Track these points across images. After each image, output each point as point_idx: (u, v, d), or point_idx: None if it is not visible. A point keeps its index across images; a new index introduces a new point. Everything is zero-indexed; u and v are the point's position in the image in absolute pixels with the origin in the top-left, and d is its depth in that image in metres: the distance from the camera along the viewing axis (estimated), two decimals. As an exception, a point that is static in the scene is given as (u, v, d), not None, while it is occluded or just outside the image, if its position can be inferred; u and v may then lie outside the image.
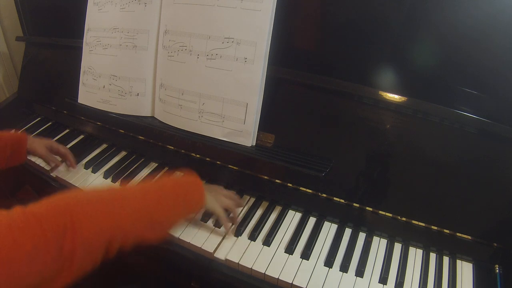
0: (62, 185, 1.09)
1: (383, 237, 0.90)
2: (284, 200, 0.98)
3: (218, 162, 1.01)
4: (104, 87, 1.11)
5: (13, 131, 1.33)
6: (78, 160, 1.15)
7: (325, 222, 0.93)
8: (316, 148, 0.90)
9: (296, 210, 0.97)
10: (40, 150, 1.09)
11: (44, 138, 1.15)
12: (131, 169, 1.10)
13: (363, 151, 0.87)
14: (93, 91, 1.14)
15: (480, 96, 0.80)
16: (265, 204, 0.98)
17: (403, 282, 0.79)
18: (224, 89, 0.92)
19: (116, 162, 1.14)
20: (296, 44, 0.94)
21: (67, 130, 1.32)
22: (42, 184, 1.14)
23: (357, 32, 0.86)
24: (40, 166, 1.15)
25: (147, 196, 0.68)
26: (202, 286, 0.99)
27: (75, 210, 0.56)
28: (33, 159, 1.19)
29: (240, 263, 0.83)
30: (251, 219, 0.94)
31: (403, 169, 0.84)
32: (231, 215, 0.89)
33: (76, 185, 1.06)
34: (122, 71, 1.07)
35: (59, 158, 1.13)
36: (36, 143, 1.10)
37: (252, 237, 0.88)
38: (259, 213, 0.96)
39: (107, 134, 1.21)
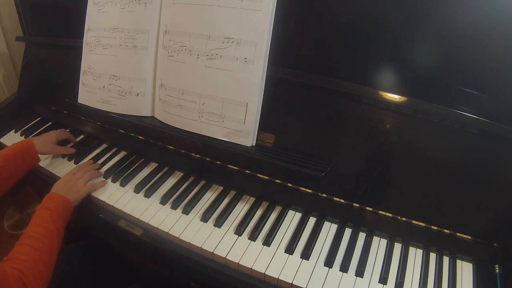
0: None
1: (383, 237, 0.90)
2: (284, 200, 0.98)
3: (218, 162, 1.01)
4: (104, 87, 1.11)
5: (15, 133, 1.34)
6: (78, 161, 1.15)
7: (325, 222, 0.94)
8: (316, 148, 0.90)
9: (296, 210, 0.97)
10: (49, 150, 1.14)
11: (45, 133, 1.18)
12: (131, 169, 1.10)
13: (363, 151, 0.87)
14: (93, 91, 1.14)
15: (480, 96, 0.80)
16: (265, 204, 0.98)
17: (403, 282, 0.79)
18: (224, 89, 0.92)
19: (116, 162, 1.14)
20: (296, 44, 0.94)
21: (67, 130, 1.31)
22: (42, 184, 1.14)
23: (357, 32, 0.86)
24: (40, 166, 1.15)
25: (45, 233, 0.87)
26: (202, 286, 0.99)
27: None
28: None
29: (240, 263, 0.83)
30: (251, 219, 0.94)
31: (403, 169, 0.84)
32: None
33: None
34: (122, 71, 1.07)
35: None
36: (43, 143, 1.12)
37: (252, 237, 0.88)
38: (259, 213, 0.96)
39: (107, 134, 1.21)
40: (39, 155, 1.10)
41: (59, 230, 0.89)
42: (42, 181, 1.14)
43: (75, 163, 1.15)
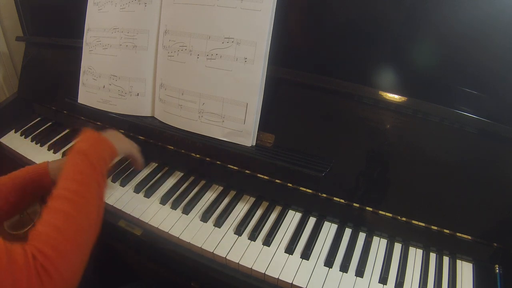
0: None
1: (383, 237, 0.90)
2: (284, 200, 0.98)
3: (218, 162, 1.01)
4: (104, 87, 1.11)
5: (15, 133, 1.33)
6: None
7: (325, 222, 0.94)
8: (316, 148, 0.90)
9: (296, 210, 0.97)
10: None
11: (63, 160, 1.00)
12: (131, 169, 1.10)
13: (363, 151, 0.87)
14: (93, 91, 1.14)
15: (480, 96, 0.80)
16: (265, 204, 0.98)
17: (403, 282, 0.79)
18: (224, 89, 0.92)
19: (116, 163, 1.14)
20: (296, 44, 0.94)
21: (67, 130, 1.32)
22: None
23: (357, 32, 0.86)
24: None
25: (79, 190, 0.66)
26: (202, 286, 0.99)
27: (42, 264, 0.55)
28: (36, 159, 1.19)
29: (240, 263, 0.83)
30: (251, 219, 0.94)
31: (403, 169, 0.84)
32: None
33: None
34: (122, 71, 1.07)
35: None
36: (58, 171, 0.94)
37: (252, 237, 0.88)
38: (259, 213, 0.96)
39: (107, 134, 1.21)
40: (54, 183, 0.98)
41: (99, 182, 0.69)
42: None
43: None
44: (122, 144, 0.85)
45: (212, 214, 0.95)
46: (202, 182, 1.05)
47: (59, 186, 0.66)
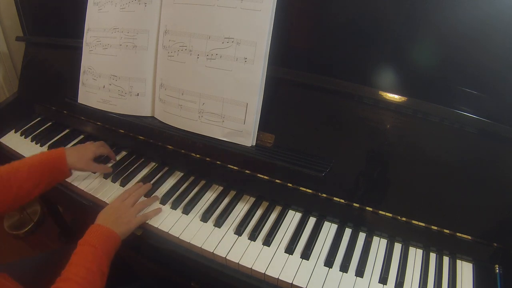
0: (63, 186, 1.08)
1: (383, 237, 0.90)
2: (284, 200, 0.98)
3: (218, 162, 1.01)
4: (104, 87, 1.11)
5: (15, 133, 1.33)
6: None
7: (325, 222, 0.94)
8: (316, 148, 0.90)
9: (296, 210, 0.97)
10: (84, 166, 1.01)
11: (82, 145, 1.07)
12: (131, 169, 1.10)
13: (363, 151, 0.87)
14: (93, 91, 1.14)
15: (480, 96, 0.80)
16: (265, 204, 0.98)
17: (403, 282, 0.79)
18: (224, 89, 0.92)
19: (116, 162, 1.14)
20: (296, 44, 0.94)
21: (67, 130, 1.32)
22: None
23: (357, 32, 0.86)
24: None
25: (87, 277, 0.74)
26: (202, 286, 0.99)
27: None
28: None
29: (240, 263, 0.83)
30: (251, 219, 0.94)
31: (403, 169, 0.84)
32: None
33: (75, 185, 1.06)
34: (122, 71, 1.07)
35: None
36: (78, 157, 0.99)
37: (252, 237, 0.88)
38: (259, 213, 0.96)
39: (107, 134, 1.21)
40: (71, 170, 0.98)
41: (103, 271, 0.77)
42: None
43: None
44: (124, 229, 0.87)
45: (212, 214, 0.95)
46: (202, 182, 1.05)
47: (69, 270, 0.74)
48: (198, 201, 0.99)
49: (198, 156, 1.04)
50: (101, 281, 0.76)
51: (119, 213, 0.89)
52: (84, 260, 0.76)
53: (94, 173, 1.08)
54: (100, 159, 1.13)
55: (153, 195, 1.01)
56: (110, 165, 1.12)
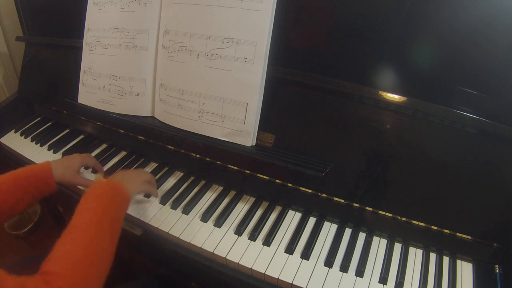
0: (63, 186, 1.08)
1: (383, 237, 0.90)
2: (284, 200, 0.98)
3: (218, 162, 1.01)
4: (104, 87, 1.11)
5: (15, 133, 1.33)
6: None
7: (325, 222, 0.94)
8: (316, 148, 0.90)
9: (296, 210, 0.97)
10: (69, 179, 0.97)
11: (67, 157, 1.03)
12: (131, 169, 1.10)
13: (363, 151, 0.87)
14: (93, 91, 1.14)
15: (480, 96, 0.80)
16: (265, 204, 0.98)
17: (403, 282, 0.79)
18: (224, 89, 0.92)
19: (116, 162, 1.14)
20: (296, 44, 0.94)
21: (67, 130, 1.32)
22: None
23: (357, 32, 0.86)
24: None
25: (94, 238, 0.69)
26: (202, 286, 0.99)
27: None
28: (35, 159, 1.19)
29: (240, 263, 0.83)
30: (251, 219, 0.94)
31: (403, 169, 0.84)
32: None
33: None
34: (122, 71, 1.07)
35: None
36: (63, 169, 0.96)
37: (252, 237, 0.88)
38: (259, 213, 0.96)
39: (107, 134, 1.21)
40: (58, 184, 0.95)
41: (112, 218, 0.71)
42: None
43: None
44: (133, 187, 0.86)
45: (212, 214, 0.95)
46: (202, 182, 1.05)
47: (71, 222, 0.69)
48: (198, 201, 0.99)
49: (198, 156, 1.04)
50: (111, 227, 0.70)
51: (128, 175, 0.88)
52: (86, 207, 0.71)
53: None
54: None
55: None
56: (105, 169, 1.11)
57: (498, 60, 0.77)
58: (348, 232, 0.91)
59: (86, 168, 1.11)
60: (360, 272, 0.81)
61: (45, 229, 1.88)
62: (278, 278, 0.80)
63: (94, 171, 1.10)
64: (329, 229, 0.92)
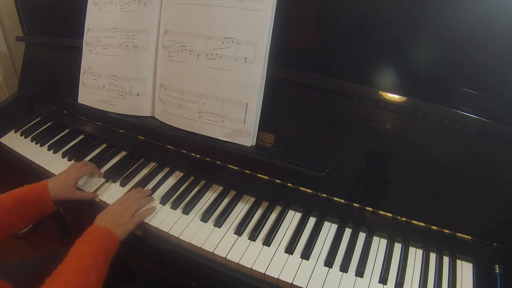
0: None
1: (383, 237, 0.90)
2: (284, 200, 0.98)
3: (218, 162, 1.01)
4: (104, 87, 1.11)
5: (15, 133, 1.33)
6: (78, 160, 1.15)
7: (325, 222, 0.94)
8: (316, 148, 0.90)
9: (296, 210, 0.97)
10: (67, 195, 0.98)
11: (63, 172, 1.03)
12: (131, 169, 1.10)
13: (363, 151, 0.87)
14: (93, 91, 1.14)
15: (480, 96, 0.80)
16: (265, 204, 0.98)
17: (403, 282, 0.79)
18: (224, 89, 0.92)
19: (116, 162, 1.14)
20: (296, 44, 0.94)
21: (67, 130, 1.32)
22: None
23: (357, 32, 0.86)
24: (41, 166, 1.15)
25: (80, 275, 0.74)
26: (202, 286, 0.99)
27: None
28: (35, 159, 1.19)
29: (240, 263, 0.83)
30: (251, 219, 0.94)
31: (403, 169, 0.84)
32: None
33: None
34: (122, 71, 1.07)
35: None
36: (60, 186, 0.97)
37: (252, 237, 0.88)
38: (259, 213, 0.96)
39: (107, 134, 1.21)
40: (56, 203, 0.96)
41: (100, 267, 0.77)
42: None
43: (74, 161, 1.15)
44: (122, 231, 0.88)
45: (212, 214, 0.95)
46: (202, 182, 1.05)
47: (65, 264, 0.75)
48: (198, 201, 0.99)
49: (198, 156, 1.04)
50: (98, 275, 0.76)
51: (116, 215, 0.89)
52: (79, 255, 0.77)
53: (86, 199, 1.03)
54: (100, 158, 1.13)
55: (152, 195, 1.01)
56: (105, 169, 1.11)
57: (498, 60, 0.77)
58: (348, 232, 0.91)
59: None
60: (360, 272, 0.81)
61: (45, 230, 1.88)
62: (278, 278, 0.80)
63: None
64: (329, 229, 0.92)
